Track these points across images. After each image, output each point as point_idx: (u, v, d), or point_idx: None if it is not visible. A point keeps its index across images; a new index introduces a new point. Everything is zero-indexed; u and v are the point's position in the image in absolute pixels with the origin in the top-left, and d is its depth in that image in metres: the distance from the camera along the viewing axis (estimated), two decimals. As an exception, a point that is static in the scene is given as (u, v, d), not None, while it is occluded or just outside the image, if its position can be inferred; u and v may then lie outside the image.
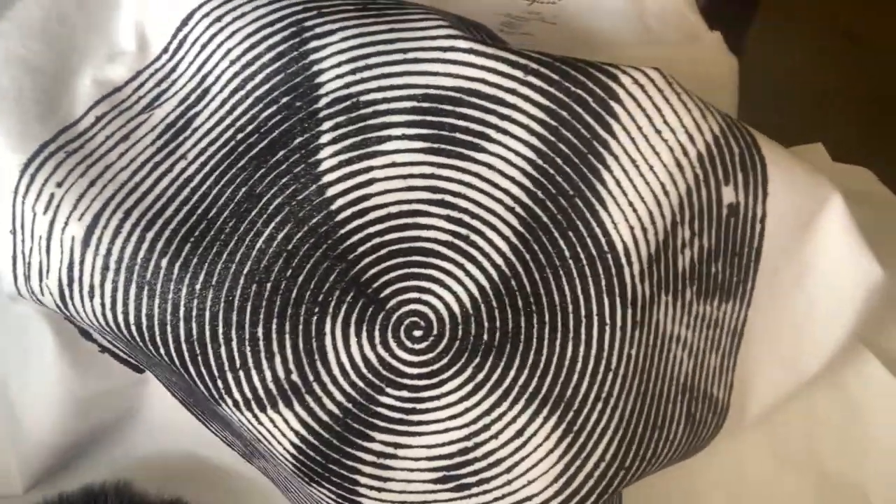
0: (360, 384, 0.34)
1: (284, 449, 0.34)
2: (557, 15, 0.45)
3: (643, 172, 0.35)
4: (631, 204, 0.34)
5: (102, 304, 0.33)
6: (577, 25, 0.45)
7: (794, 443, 0.43)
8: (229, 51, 0.35)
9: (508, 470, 0.34)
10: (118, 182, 0.34)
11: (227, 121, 0.35)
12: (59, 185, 0.34)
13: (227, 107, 0.35)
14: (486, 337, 0.34)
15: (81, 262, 0.33)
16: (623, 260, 0.34)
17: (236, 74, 0.35)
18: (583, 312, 0.35)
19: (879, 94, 0.82)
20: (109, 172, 0.34)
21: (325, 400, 0.33)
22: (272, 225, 0.33)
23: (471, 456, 0.34)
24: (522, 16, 0.45)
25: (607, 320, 0.35)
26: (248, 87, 0.35)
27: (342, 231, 0.34)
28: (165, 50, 0.37)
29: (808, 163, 0.39)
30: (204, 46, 0.35)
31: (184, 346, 0.33)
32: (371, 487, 0.34)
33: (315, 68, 0.34)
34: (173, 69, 0.36)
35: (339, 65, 0.34)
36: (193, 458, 0.42)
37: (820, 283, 0.39)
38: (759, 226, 0.37)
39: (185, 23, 0.36)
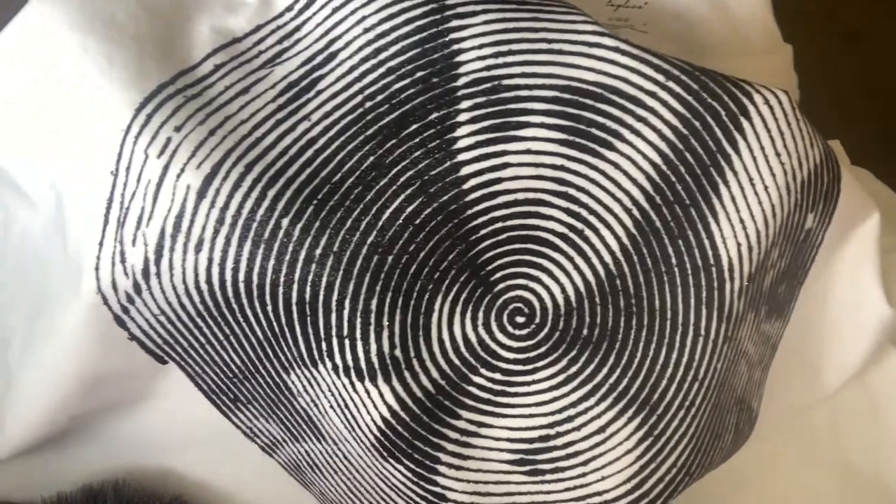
0: (457, 362, 0.34)
1: (372, 421, 0.34)
2: (647, 23, 0.45)
3: (758, 191, 0.35)
4: (742, 221, 0.35)
5: (210, 259, 0.32)
6: (668, 34, 0.45)
7: (819, 440, 0.45)
8: (364, 18, 0.34)
9: (585, 463, 0.35)
10: (239, 134, 0.33)
11: (356, 87, 0.34)
12: (178, 129, 0.32)
13: (356, 73, 0.34)
14: (585, 331, 0.35)
15: (193, 213, 0.32)
16: (726, 275, 0.35)
17: (369, 42, 0.34)
18: (680, 320, 0.35)
19: (879, 94, 0.85)
20: (230, 123, 0.33)
21: (422, 376, 0.34)
22: (402, 197, 0.33)
23: (551, 444, 0.35)
24: (610, 23, 0.44)
25: (702, 331, 0.35)
26: (382, 56, 0.34)
27: (470, 211, 0.33)
28: (290, 8, 0.35)
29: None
30: (336, 10, 0.34)
31: (294, 308, 0.32)
32: (451, 466, 0.35)
33: (455, 47, 0.34)
34: (297, 28, 0.35)
35: (480, 46, 0.34)
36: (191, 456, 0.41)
37: (843, 301, 0.41)
38: (815, 250, 0.39)
39: None
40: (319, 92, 0.34)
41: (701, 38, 0.45)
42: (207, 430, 0.39)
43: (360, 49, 0.34)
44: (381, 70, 0.34)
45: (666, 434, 0.35)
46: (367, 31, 0.34)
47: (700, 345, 0.35)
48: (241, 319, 0.34)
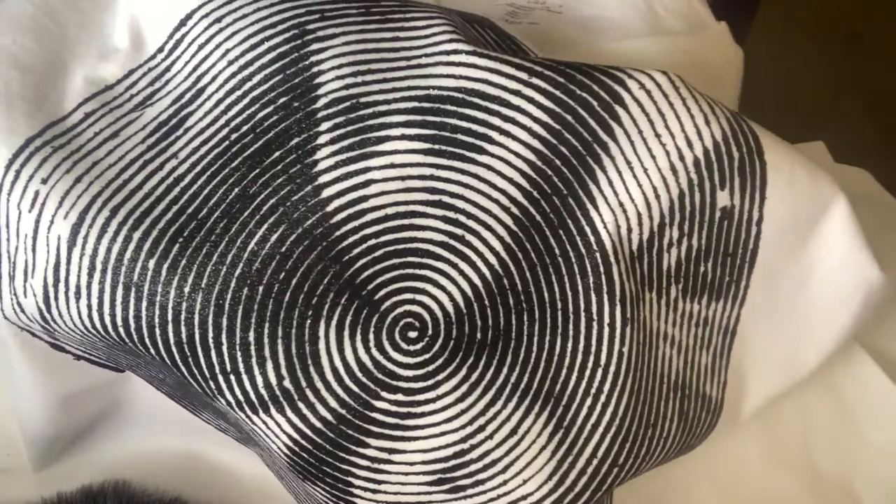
0: (355, 389, 0.33)
1: (278, 448, 0.33)
2: (563, 4, 0.44)
3: (637, 174, 0.34)
4: (621, 204, 0.34)
5: (89, 306, 0.33)
6: (583, 14, 0.44)
7: (787, 442, 0.44)
8: (228, 51, 0.34)
9: (504, 470, 0.34)
10: (105, 179, 0.33)
11: (222, 120, 0.34)
12: (45, 181, 0.33)
13: (222, 106, 0.34)
14: (479, 335, 0.34)
15: (68, 262, 0.33)
16: (612, 258, 0.34)
17: (234, 75, 0.34)
18: (570, 309, 0.34)
19: (879, 95, 0.82)
20: (97, 169, 0.33)
21: (319, 406, 0.33)
22: (265, 226, 0.33)
23: (466, 458, 0.34)
24: (527, 5, 0.44)
25: (594, 316, 0.34)
26: (246, 87, 0.34)
27: (338, 233, 0.33)
28: (161, 49, 0.36)
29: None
30: (202, 47, 0.35)
31: (174, 349, 0.32)
32: (365, 489, 0.34)
33: (315, 69, 0.34)
34: (168, 68, 0.35)
35: (339, 66, 0.34)
36: (189, 453, 0.42)
37: (820, 284, 0.39)
38: (754, 228, 0.37)
39: (183, 23, 0.35)
40: (188, 129, 0.34)
41: (613, 19, 0.45)
42: (190, 419, 0.40)
43: (226, 82, 0.34)
44: (246, 101, 0.34)
45: (576, 424, 0.34)
46: (230, 63, 0.34)
47: (595, 330, 0.34)
48: (144, 352, 0.34)
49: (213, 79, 0.34)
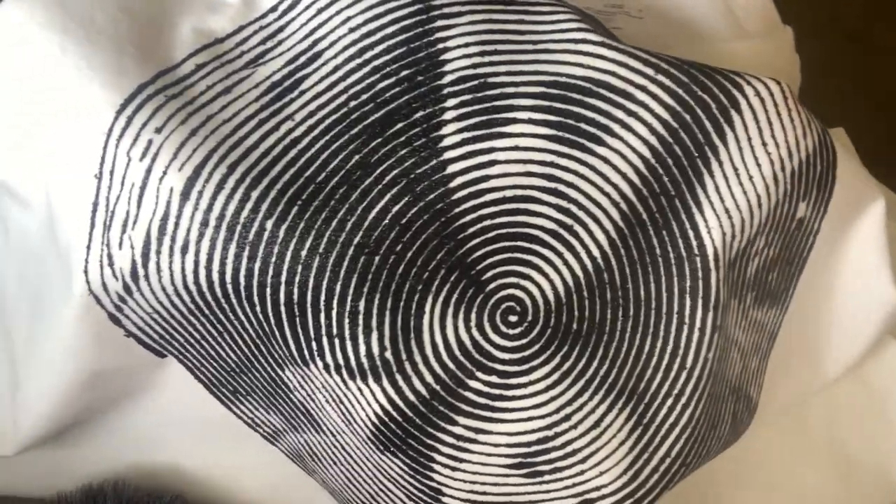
0: (452, 367, 0.33)
1: (366, 416, 0.33)
2: (642, 9, 0.44)
3: (742, 181, 0.35)
4: (727, 210, 0.35)
5: (196, 262, 0.32)
6: (665, 19, 0.44)
7: (815, 431, 0.45)
8: (349, 18, 0.34)
9: (583, 460, 0.35)
10: (220, 134, 0.32)
11: (340, 86, 0.33)
12: (159, 130, 0.32)
13: (340, 72, 0.33)
14: (575, 326, 0.34)
15: (178, 216, 0.32)
16: (711, 264, 0.35)
17: (354, 42, 0.33)
18: (664, 310, 0.35)
19: (881, 95, 0.84)
20: (211, 123, 0.32)
21: (415, 380, 0.33)
22: (387, 197, 0.32)
23: (549, 444, 0.34)
24: (606, 10, 0.44)
25: (686, 320, 0.35)
26: (367, 55, 0.33)
27: (457, 210, 0.33)
28: (273, 9, 0.35)
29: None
30: (321, 11, 0.34)
31: (282, 309, 0.32)
32: (446, 465, 0.34)
33: (440, 46, 0.33)
34: (281, 28, 0.34)
35: (466, 45, 0.33)
36: (197, 454, 0.41)
37: (845, 292, 0.41)
38: (812, 238, 0.39)
39: None
40: (303, 92, 0.33)
41: (697, 22, 0.45)
42: (210, 420, 0.39)
43: (345, 49, 0.34)
44: (366, 69, 0.33)
45: (655, 423, 0.35)
46: (352, 30, 0.34)
47: (685, 334, 0.35)
48: (233, 318, 0.33)
49: (332, 44, 0.34)
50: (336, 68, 0.33)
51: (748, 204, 0.35)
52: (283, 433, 0.39)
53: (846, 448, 0.45)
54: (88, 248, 0.33)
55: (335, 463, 0.38)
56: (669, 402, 0.35)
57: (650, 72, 0.34)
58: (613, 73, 0.34)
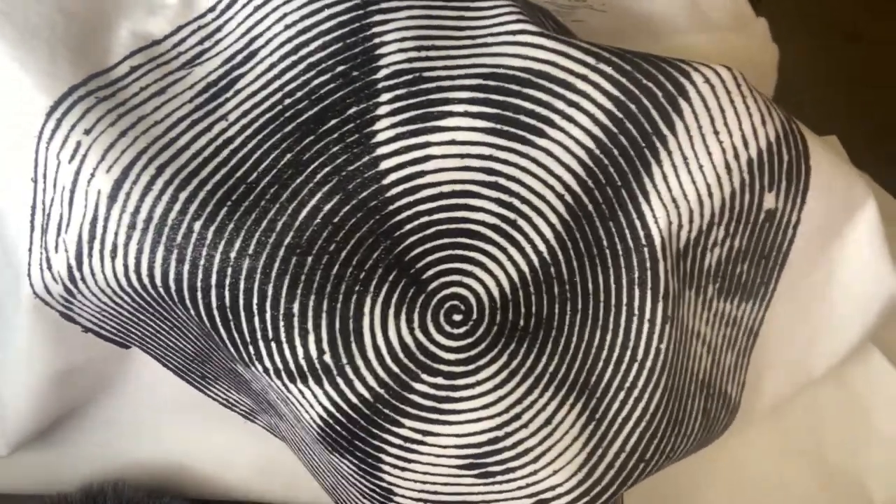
0: (395, 369, 0.32)
1: (311, 419, 0.33)
2: (605, 2, 0.43)
3: (692, 171, 0.34)
4: (675, 200, 0.34)
5: (125, 266, 0.31)
6: (628, 12, 0.44)
7: (796, 435, 0.44)
8: (286, 15, 0.33)
9: (535, 459, 0.34)
10: (151, 136, 0.32)
11: (275, 84, 0.33)
12: (87, 132, 0.31)
13: (275, 70, 0.33)
14: (521, 323, 0.33)
15: (106, 219, 0.31)
16: (659, 254, 0.34)
17: (290, 39, 0.33)
18: (613, 302, 0.34)
19: (880, 94, 0.83)
20: (142, 125, 0.32)
21: (357, 384, 0.32)
22: (319, 195, 0.32)
23: (500, 445, 0.33)
24: (569, 4, 0.43)
25: (636, 311, 0.34)
26: (302, 52, 0.33)
27: (392, 207, 0.32)
28: (212, 9, 0.34)
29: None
30: (257, 9, 0.34)
31: (215, 312, 0.31)
32: (395, 467, 0.34)
33: (377, 40, 0.33)
34: (219, 28, 0.34)
35: (402, 39, 0.33)
36: (180, 437, 0.41)
37: (840, 289, 0.40)
38: (791, 231, 0.37)
39: None
40: (238, 91, 0.33)
41: (660, 15, 0.44)
42: (189, 403, 0.39)
43: (281, 46, 0.33)
44: (302, 66, 0.33)
45: (608, 417, 0.34)
46: (288, 27, 0.33)
47: (635, 325, 0.34)
48: (176, 316, 0.33)
49: (268, 42, 0.33)
50: (272, 66, 0.33)
51: (697, 194, 0.34)
52: (257, 412, 0.39)
53: (827, 456, 0.44)
54: (30, 251, 0.33)
55: (299, 450, 0.38)
56: (622, 395, 0.34)
57: (591, 61, 0.33)
58: (553, 64, 0.33)
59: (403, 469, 0.33)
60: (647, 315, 0.34)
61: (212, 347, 0.35)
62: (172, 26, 0.34)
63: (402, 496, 0.34)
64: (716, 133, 0.34)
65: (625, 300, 0.34)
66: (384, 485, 0.34)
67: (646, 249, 0.34)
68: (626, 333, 0.34)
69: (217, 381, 0.38)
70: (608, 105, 0.33)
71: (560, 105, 0.33)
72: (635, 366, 0.34)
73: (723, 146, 0.34)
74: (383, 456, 0.33)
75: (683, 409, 0.37)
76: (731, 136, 0.34)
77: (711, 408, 0.38)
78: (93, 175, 0.31)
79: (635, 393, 0.34)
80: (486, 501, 0.34)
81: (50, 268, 0.32)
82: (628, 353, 0.34)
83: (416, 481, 0.34)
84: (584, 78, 0.33)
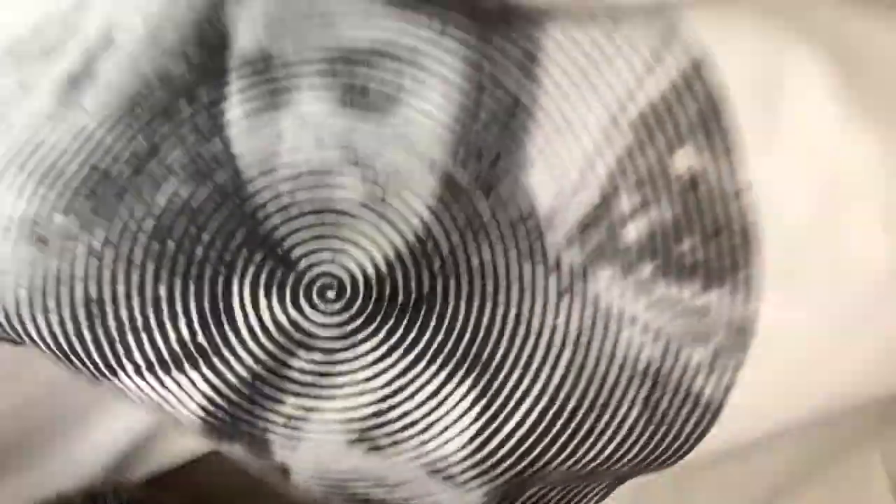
0: (271, 347, 0.33)
1: (191, 411, 0.33)
2: None
3: (575, 132, 0.33)
4: (557, 167, 0.33)
5: None
6: None
7: None
8: (141, 3, 0.33)
9: (423, 431, 0.34)
10: (18, 139, 0.33)
11: (133, 72, 0.33)
12: None
13: (133, 59, 0.33)
14: (401, 299, 0.33)
15: None
16: (545, 222, 0.33)
17: (147, 28, 0.33)
18: (501, 277, 0.33)
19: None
20: (6, 126, 0.33)
21: (234, 363, 0.33)
22: (174, 180, 0.32)
23: (385, 418, 0.34)
24: None
25: (526, 286, 0.33)
26: (159, 40, 0.33)
27: (250, 189, 0.32)
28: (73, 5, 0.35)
29: None
30: (116, 1, 0.34)
31: (80, 311, 0.32)
32: (284, 447, 0.34)
33: (230, 28, 0.33)
34: (78, 20, 0.34)
35: (254, 24, 0.33)
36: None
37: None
38: (736, 202, 0.34)
39: None
40: (97, 81, 0.33)
41: None
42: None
43: (140, 35, 0.33)
44: (157, 53, 0.33)
45: (504, 393, 0.34)
46: (145, 17, 0.33)
47: (528, 300, 0.33)
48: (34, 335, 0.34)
49: (126, 31, 0.33)
50: (129, 54, 0.33)
51: (583, 156, 0.33)
52: None
53: None
54: None
55: None
56: (518, 371, 0.34)
57: (437, 26, 0.32)
58: (399, 32, 0.32)
59: (293, 449, 0.34)
60: (540, 289, 0.33)
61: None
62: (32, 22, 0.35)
63: (299, 474, 0.35)
64: (593, 87, 0.32)
65: (515, 275, 0.33)
66: (278, 463, 0.35)
67: (530, 220, 0.33)
68: (519, 308, 0.33)
69: None
70: (457, 79, 0.32)
71: (409, 75, 0.32)
72: (530, 341, 0.34)
73: (603, 102, 0.33)
74: (270, 437, 0.34)
75: (609, 395, 0.35)
76: (612, 89, 0.33)
77: (661, 401, 0.35)
78: None
79: (532, 370, 0.34)
80: (381, 475, 0.35)
81: None
82: (522, 328, 0.34)
83: (307, 459, 0.34)
84: (433, 43, 0.32)
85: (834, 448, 0.44)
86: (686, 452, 0.37)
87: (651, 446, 0.36)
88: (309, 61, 0.32)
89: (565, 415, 0.34)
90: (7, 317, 0.33)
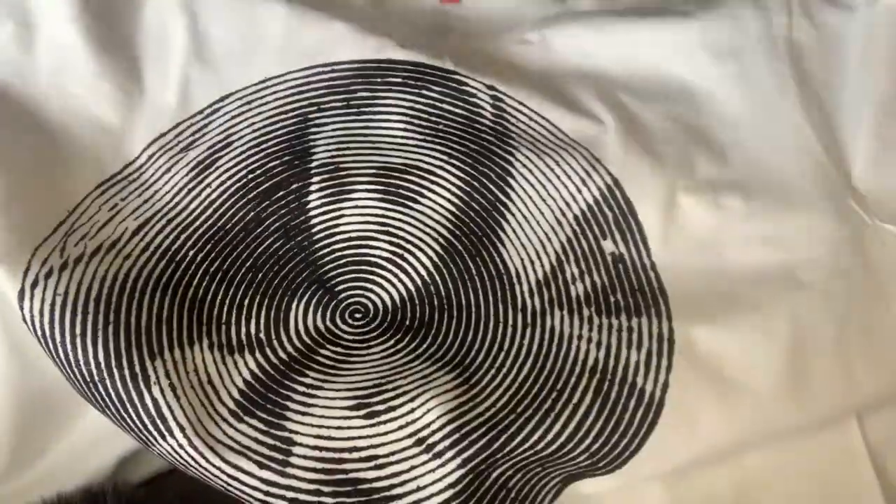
0: (308, 341, 0.46)
1: (234, 385, 0.44)
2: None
3: (532, 225, 0.49)
4: (523, 245, 0.48)
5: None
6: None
7: None
8: (254, 123, 0.51)
9: (412, 399, 0.44)
10: (163, 201, 0.49)
11: (243, 165, 0.50)
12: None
13: (244, 156, 0.50)
14: (408, 323, 0.47)
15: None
16: (515, 279, 0.48)
17: (255, 138, 0.51)
18: (482, 312, 0.47)
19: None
20: (157, 195, 0.49)
21: (279, 350, 0.46)
22: (270, 239, 0.49)
23: (383, 388, 0.44)
24: None
25: (500, 319, 0.47)
26: (263, 147, 0.51)
27: (317, 246, 0.49)
28: (201, 111, 0.51)
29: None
30: (234, 117, 0.51)
31: (186, 303, 0.46)
32: (297, 412, 0.44)
33: (312, 144, 0.51)
34: (206, 125, 0.51)
35: (327, 144, 0.51)
36: None
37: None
38: (651, 272, 0.48)
39: (223, 98, 0.52)
40: (219, 168, 0.50)
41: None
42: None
43: (249, 141, 0.51)
44: (262, 155, 0.50)
45: (481, 384, 0.45)
46: (255, 131, 0.51)
47: (500, 329, 0.47)
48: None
49: (240, 137, 0.51)
50: (242, 153, 0.50)
51: (539, 240, 0.48)
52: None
53: None
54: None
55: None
56: (492, 371, 0.45)
57: (443, 159, 0.50)
58: (418, 161, 0.50)
59: (304, 414, 0.44)
60: (511, 322, 0.47)
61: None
62: (173, 122, 0.50)
63: (302, 444, 0.43)
64: (544, 200, 0.49)
65: (492, 312, 0.47)
66: (286, 434, 0.43)
67: (504, 276, 0.48)
68: (494, 334, 0.47)
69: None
70: (455, 189, 0.49)
71: (426, 186, 0.49)
72: (502, 354, 0.46)
73: (550, 206, 0.49)
74: (289, 403, 0.44)
75: (564, 383, 0.45)
76: (556, 199, 0.49)
77: (611, 392, 0.45)
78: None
79: (504, 370, 0.45)
80: (373, 445, 0.43)
81: None
82: (496, 346, 0.46)
83: (313, 425, 0.43)
84: (439, 168, 0.50)
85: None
86: (636, 448, 0.44)
87: (605, 435, 0.44)
88: (364, 172, 0.50)
89: (529, 398, 0.44)
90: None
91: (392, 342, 0.47)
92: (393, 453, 0.43)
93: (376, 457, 0.43)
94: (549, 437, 0.44)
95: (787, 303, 0.46)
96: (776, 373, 0.45)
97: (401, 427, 0.43)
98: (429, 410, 0.43)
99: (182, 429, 0.42)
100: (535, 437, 0.44)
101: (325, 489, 0.43)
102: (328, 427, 0.44)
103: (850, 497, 0.46)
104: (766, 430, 0.45)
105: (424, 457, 0.43)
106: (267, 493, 0.43)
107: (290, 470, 0.43)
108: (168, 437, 0.42)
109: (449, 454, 0.42)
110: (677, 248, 0.48)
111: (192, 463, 0.43)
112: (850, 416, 0.46)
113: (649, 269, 0.48)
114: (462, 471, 0.42)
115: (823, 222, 0.48)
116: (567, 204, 0.49)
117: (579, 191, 0.49)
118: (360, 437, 0.43)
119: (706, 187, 0.49)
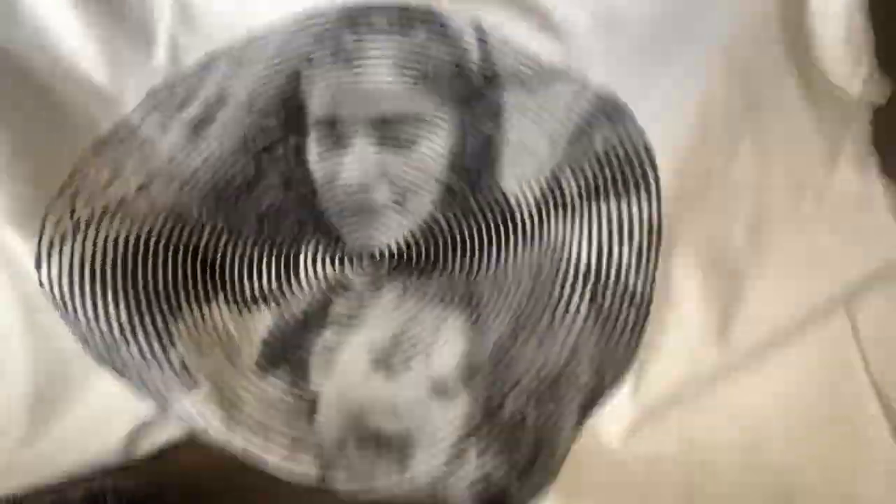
0: (320, 296, 0.50)
1: (259, 336, 0.47)
2: None
3: (528, 155, 0.50)
4: (518, 175, 0.50)
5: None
6: None
7: None
8: (246, 82, 0.50)
9: (427, 347, 0.47)
10: (163, 157, 0.49)
11: (240, 122, 0.50)
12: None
13: (239, 114, 0.50)
14: (415, 262, 0.50)
15: None
16: (515, 206, 0.49)
17: (249, 96, 0.50)
18: (484, 244, 0.50)
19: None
20: (156, 151, 0.49)
21: (293, 304, 0.49)
22: (273, 189, 0.50)
23: (400, 340, 0.47)
24: None
25: (502, 252, 0.49)
26: (256, 105, 0.50)
27: (318, 198, 0.51)
28: (192, 70, 0.50)
29: None
30: (227, 78, 0.50)
31: (197, 264, 0.49)
32: (319, 370, 0.47)
33: (305, 98, 0.51)
34: (199, 84, 0.50)
35: (321, 97, 0.51)
36: None
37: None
38: (644, 152, 0.46)
39: (213, 58, 0.50)
40: (215, 123, 0.50)
41: None
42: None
43: (243, 100, 0.50)
44: (255, 113, 0.50)
45: (486, 322, 0.48)
46: (247, 89, 0.50)
47: (502, 257, 0.49)
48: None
49: (234, 95, 0.50)
50: (237, 110, 0.50)
51: (535, 167, 0.49)
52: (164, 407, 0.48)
53: None
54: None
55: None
56: (494, 297, 0.48)
57: (436, 105, 0.50)
58: (413, 109, 0.51)
59: (326, 372, 0.47)
60: (511, 245, 0.49)
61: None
62: (164, 81, 0.50)
63: (325, 403, 0.46)
64: (535, 129, 0.50)
65: (493, 241, 0.50)
66: (311, 390, 0.46)
67: (504, 206, 0.50)
68: (496, 266, 0.50)
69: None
70: (451, 129, 0.50)
71: (421, 132, 0.51)
72: (501, 276, 0.49)
73: (543, 134, 0.50)
74: (311, 359, 0.47)
75: (559, 294, 0.46)
76: (549, 126, 0.49)
77: (605, 295, 0.46)
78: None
79: (503, 293, 0.48)
80: (392, 405, 0.46)
81: None
82: (499, 272, 0.49)
83: (335, 385, 0.46)
84: (432, 116, 0.51)
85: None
86: (633, 352, 0.46)
87: (602, 343, 0.46)
88: (360, 122, 0.51)
89: (530, 322, 0.47)
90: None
91: (402, 284, 0.50)
92: (410, 403, 0.46)
93: (396, 407, 0.47)
94: (552, 356, 0.46)
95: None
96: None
97: (418, 381, 0.47)
98: (442, 356, 0.48)
99: (207, 382, 0.45)
100: (540, 360, 0.46)
101: (350, 441, 0.46)
102: (350, 385, 0.47)
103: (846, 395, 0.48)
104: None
105: (437, 404, 0.46)
106: (291, 448, 0.46)
107: (315, 426, 0.46)
108: (192, 392, 0.45)
109: (461, 394, 0.46)
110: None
111: (212, 419, 0.45)
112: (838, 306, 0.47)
113: (641, 149, 0.47)
114: (473, 407, 0.46)
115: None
116: (561, 124, 0.49)
117: (571, 111, 0.49)
118: (381, 394, 0.47)
119: None
